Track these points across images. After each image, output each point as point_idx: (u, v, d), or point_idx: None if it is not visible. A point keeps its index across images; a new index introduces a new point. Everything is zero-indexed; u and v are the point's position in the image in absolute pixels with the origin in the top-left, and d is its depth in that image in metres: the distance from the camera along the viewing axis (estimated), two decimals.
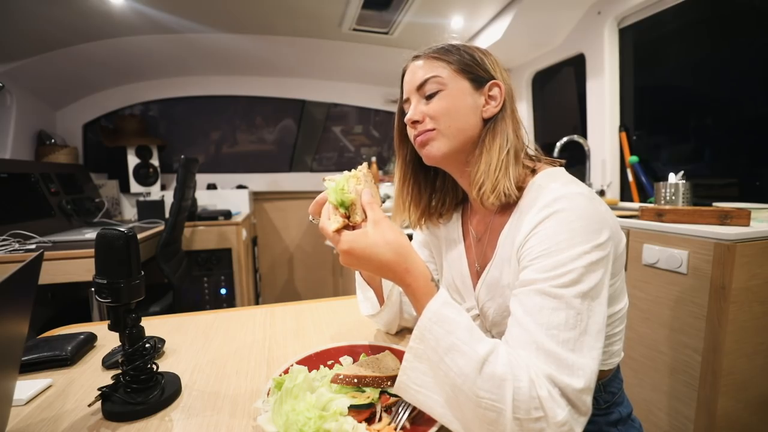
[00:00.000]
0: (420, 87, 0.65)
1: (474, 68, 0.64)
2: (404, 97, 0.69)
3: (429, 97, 0.64)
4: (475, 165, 0.63)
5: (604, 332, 0.48)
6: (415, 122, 0.65)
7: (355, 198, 0.54)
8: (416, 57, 0.68)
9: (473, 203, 0.73)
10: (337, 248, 0.51)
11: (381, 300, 0.76)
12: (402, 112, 0.71)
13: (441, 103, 0.63)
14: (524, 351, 0.45)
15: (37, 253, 0.51)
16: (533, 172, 0.63)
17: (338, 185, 0.55)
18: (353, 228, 0.54)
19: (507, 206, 0.64)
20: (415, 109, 0.65)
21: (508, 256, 0.60)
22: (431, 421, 0.50)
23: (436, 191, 0.77)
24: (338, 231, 0.52)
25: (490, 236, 0.68)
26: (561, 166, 0.65)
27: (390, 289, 0.75)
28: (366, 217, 0.54)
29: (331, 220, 0.53)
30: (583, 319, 0.46)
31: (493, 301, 0.64)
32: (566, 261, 0.48)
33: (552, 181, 0.58)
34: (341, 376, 0.55)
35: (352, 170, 0.59)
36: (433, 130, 0.64)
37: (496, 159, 0.61)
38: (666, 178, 1.55)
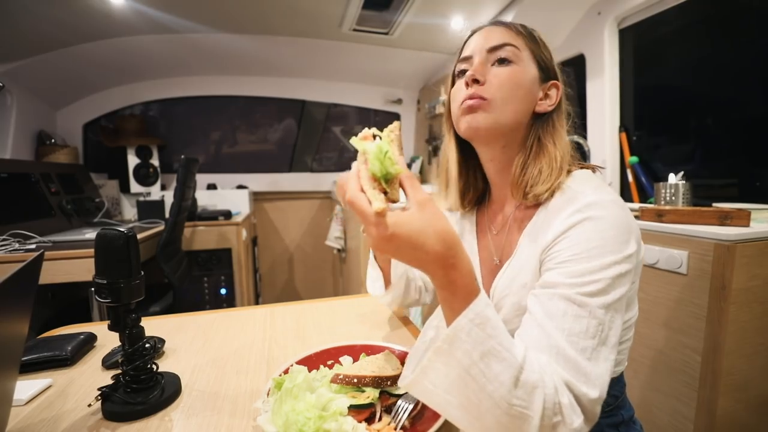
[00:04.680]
0: (493, 49, 0.61)
1: (546, 62, 0.64)
2: (466, 55, 0.64)
3: (498, 64, 0.61)
4: (532, 161, 0.61)
5: (618, 344, 0.48)
6: (475, 81, 0.61)
7: (401, 170, 0.44)
8: (494, 23, 0.65)
9: (495, 194, 0.71)
10: (376, 232, 0.41)
11: (388, 282, 0.77)
12: (454, 75, 0.67)
13: (510, 73, 0.60)
14: (544, 355, 0.45)
15: (37, 253, 0.51)
16: (568, 172, 0.62)
17: (381, 151, 0.43)
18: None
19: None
20: (480, 67, 0.61)
21: (529, 256, 0.59)
22: (431, 421, 0.50)
23: (468, 178, 0.74)
24: (381, 212, 0.40)
25: (509, 231, 0.66)
26: (592, 170, 0.64)
27: (402, 271, 0.75)
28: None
29: (369, 196, 0.42)
30: (604, 330, 0.46)
31: (508, 299, 0.63)
32: (596, 269, 0.48)
33: (584, 185, 0.57)
34: (341, 376, 0.55)
35: (384, 130, 0.47)
36: (486, 100, 0.60)
37: (560, 159, 0.60)
38: (666, 179, 1.55)
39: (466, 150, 0.71)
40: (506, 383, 0.40)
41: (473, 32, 0.66)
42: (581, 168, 0.64)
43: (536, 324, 0.48)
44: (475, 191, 0.74)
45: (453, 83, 0.68)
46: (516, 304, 0.61)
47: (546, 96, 0.63)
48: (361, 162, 0.45)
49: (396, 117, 3.45)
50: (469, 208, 0.76)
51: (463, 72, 0.65)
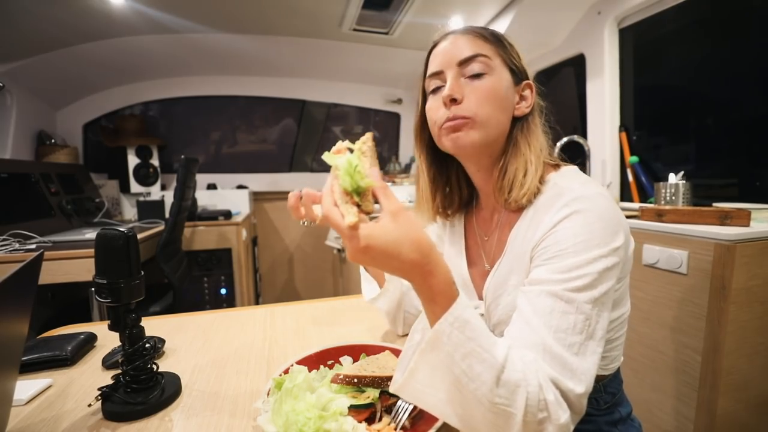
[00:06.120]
0: (465, 62, 0.59)
1: (516, 64, 0.63)
2: (436, 70, 0.62)
3: (472, 78, 0.59)
4: (509, 164, 0.61)
5: (605, 336, 0.49)
6: (453, 100, 0.59)
7: (372, 183, 0.44)
8: (460, 31, 0.62)
9: (483, 200, 0.71)
10: (351, 245, 0.42)
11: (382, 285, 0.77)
12: (424, 91, 0.65)
13: (487, 86, 0.59)
14: (531, 352, 0.45)
15: (37, 253, 0.51)
16: (554, 167, 0.63)
17: (351, 165, 0.44)
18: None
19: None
20: (454, 85, 0.59)
21: (519, 255, 0.59)
22: (431, 421, 0.50)
23: (450, 186, 0.74)
24: (354, 226, 0.41)
25: (499, 234, 0.66)
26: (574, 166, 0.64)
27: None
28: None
29: (343, 210, 0.43)
30: (591, 324, 0.47)
31: (500, 300, 0.63)
32: (582, 264, 0.48)
33: (571, 181, 0.58)
34: (341, 376, 0.55)
35: (356, 143, 0.48)
36: (469, 119, 0.58)
37: (535, 159, 0.60)
38: (666, 178, 1.55)
39: (442, 163, 0.71)
40: (488, 382, 0.41)
41: (436, 43, 0.64)
42: (564, 164, 0.64)
43: (524, 321, 0.49)
44: (460, 200, 0.75)
45: (424, 99, 0.66)
46: (509, 304, 0.61)
47: (522, 98, 0.63)
48: (334, 177, 0.45)
49: (396, 117, 3.46)
50: (458, 214, 0.76)
51: (437, 89, 0.63)
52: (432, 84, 0.63)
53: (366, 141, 0.48)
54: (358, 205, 0.44)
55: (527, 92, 0.64)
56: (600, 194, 0.53)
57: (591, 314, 0.47)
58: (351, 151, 0.47)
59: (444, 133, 0.61)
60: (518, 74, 0.63)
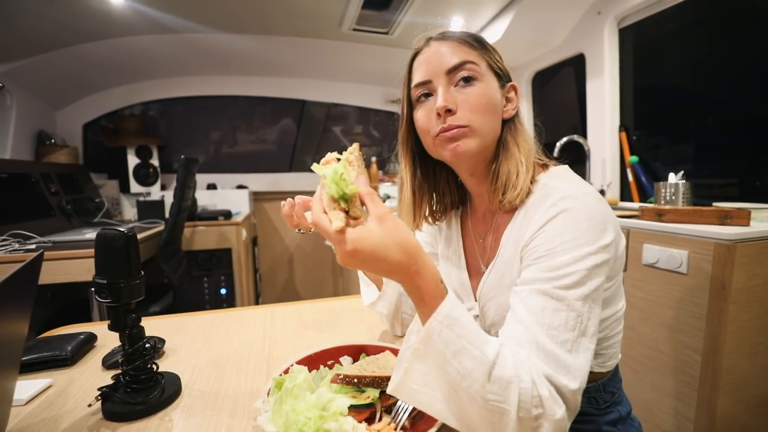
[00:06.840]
0: (452, 70, 0.59)
1: (500, 67, 0.63)
2: (424, 79, 0.61)
3: (462, 86, 0.59)
4: (501, 167, 0.61)
5: (597, 332, 0.49)
6: (448, 111, 0.58)
7: (357, 189, 0.46)
8: (442, 38, 0.62)
9: (476, 203, 0.72)
10: (339, 249, 0.44)
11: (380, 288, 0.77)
12: (410, 100, 0.65)
13: (478, 93, 0.59)
14: (525, 350, 0.46)
15: (37, 253, 0.51)
16: (543, 167, 0.63)
17: (337, 174, 0.46)
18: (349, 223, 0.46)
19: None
20: (447, 95, 0.59)
21: (512, 256, 0.60)
22: (431, 421, 0.50)
23: (438, 191, 0.73)
24: (341, 230, 0.44)
25: (493, 236, 0.67)
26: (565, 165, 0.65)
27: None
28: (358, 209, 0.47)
29: (331, 216, 0.45)
30: (583, 321, 0.47)
31: (494, 301, 0.64)
32: (570, 262, 0.49)
33: (559, 181, 0.58)
34: (341, 376, 0.55)
35: (343, 153, 0.50)
36: (466, 127, 0.58)
37: (525, 160, 0.60)
38: (666, 178, 1.55)
39: (430, 170, 0.71)
40: (479, 379, 0.42)
41: (417, 50, 0.64)
42: (554, 164, 0.64)
43: (517, 320, 0.49)
44: (451, 204, 0.75)
45: (410, 107, 0.66)
46: (502, 305, 0.62)
47: (508, 101, 0.64)
48: (322, 186, 0.48)
49: (396, 116, 3.45)
50: (454, 217, 0.76)
51: (425, 95, 0.62)
52: (419, 92, 0.63)
53: (353, 151, 0.51)
54: (346, 212, 0.46)
55: (512, 94, 0.64)
56: (587, 193, 0.54)
57: (582, 311, 0.48)
58: (339, 161, 0.50)
59: (440, 143, 0.60)
60: (503, 77, 0.64)
